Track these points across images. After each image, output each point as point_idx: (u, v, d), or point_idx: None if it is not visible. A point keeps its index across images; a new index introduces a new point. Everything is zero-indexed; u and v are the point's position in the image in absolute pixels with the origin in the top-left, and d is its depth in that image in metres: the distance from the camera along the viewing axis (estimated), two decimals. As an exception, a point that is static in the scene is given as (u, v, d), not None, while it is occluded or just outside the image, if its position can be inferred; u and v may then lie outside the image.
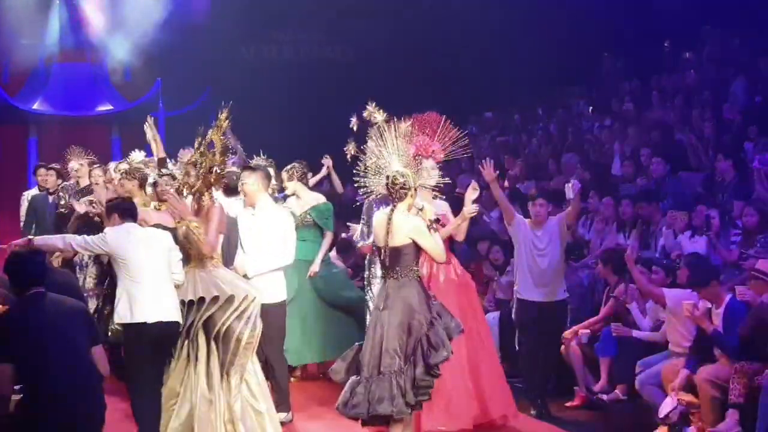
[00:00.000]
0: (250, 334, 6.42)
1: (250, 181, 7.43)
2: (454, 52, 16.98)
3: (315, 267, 8.76)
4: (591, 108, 14.32)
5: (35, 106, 17.48)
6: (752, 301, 6.94)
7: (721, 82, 12.78)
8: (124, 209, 6.55)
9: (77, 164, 10.13)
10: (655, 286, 7.74)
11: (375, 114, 7.00)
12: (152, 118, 9.28)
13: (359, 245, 8.17)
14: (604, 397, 8.17)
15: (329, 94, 16.19)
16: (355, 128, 7.46)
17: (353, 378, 6.28)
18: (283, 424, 6.95)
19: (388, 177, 6.39)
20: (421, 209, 6.43)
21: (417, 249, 6.35)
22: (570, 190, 8.10)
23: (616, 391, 8.16)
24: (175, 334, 6.36)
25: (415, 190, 6.43)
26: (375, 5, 16.12)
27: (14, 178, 14.12)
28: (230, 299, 6.38)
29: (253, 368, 6.59)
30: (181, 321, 6.35)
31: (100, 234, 6.40)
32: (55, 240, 6.61)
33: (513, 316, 8.37)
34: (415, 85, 16.49)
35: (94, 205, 8.83)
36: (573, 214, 8.23)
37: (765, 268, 6.93)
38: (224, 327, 6.35)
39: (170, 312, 6.29)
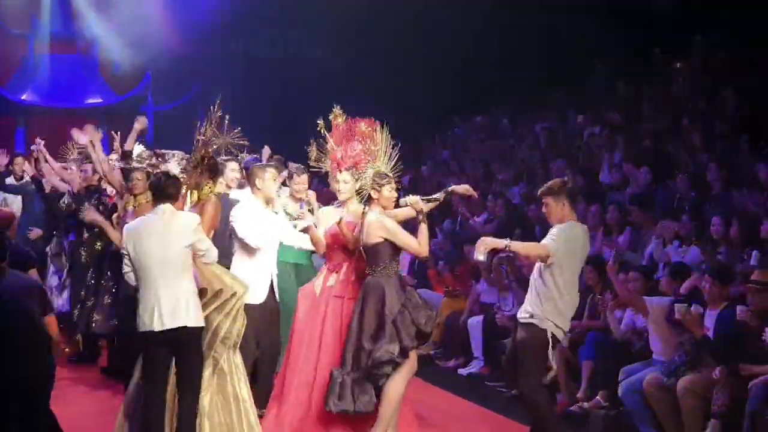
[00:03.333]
0: (229, 328, 6.34)
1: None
2: (443, 53, 16.98)
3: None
4: (580, 116, 14.31)
5: (24, 97, 17.44)
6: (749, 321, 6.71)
7: (710, 91, 12.80)
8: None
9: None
10: (638, 296, 7.66)
11: (338, 118, 7.17)
12: (143, 114, 9.25)
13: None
14: (585, 404, 8.13)
15: (316, 93, 16.18)
16: (322, 131, 7.49)
17: (335, 372, 6.50)
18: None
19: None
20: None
21: (393, 246, 6.59)
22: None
23: (597, 397, 8.09)
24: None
25: (376, 191, 6.66)
26: (366, 5, 16.10)
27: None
28: (217, 294, 6.34)
29: (229, 360, 6.44)
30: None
31: None
32: None
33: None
34: (408, 84, 16.52)
35: None
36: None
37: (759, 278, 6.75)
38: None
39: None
